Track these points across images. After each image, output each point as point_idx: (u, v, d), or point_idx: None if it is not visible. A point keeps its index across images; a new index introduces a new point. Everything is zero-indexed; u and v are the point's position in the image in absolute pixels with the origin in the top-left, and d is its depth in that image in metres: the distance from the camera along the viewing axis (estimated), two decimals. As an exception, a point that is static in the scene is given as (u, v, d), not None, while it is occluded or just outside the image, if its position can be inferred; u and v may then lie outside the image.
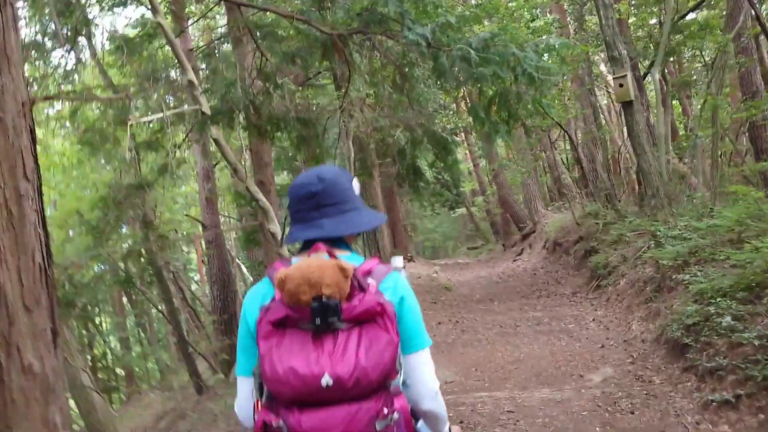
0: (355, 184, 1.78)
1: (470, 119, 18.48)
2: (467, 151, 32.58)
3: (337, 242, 1.69)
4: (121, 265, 14.09)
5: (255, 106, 6.39)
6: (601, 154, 14.04)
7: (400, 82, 6.39)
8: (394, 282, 1.62)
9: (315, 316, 1.45)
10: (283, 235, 2.49)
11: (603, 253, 10.65)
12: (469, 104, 5.76)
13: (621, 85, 8.78)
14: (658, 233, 8.32)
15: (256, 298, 1.66)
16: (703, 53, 14.20)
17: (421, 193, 10.09)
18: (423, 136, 8.27)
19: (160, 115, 8.76)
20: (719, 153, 10.11)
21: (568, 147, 22.38)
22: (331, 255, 1.56)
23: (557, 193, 25.00)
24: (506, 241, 24.55)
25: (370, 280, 1.56)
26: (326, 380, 1.41)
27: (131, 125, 9.17)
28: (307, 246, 1.67)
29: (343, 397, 1.44)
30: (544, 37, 6.79)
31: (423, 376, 1.63)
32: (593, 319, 8.27)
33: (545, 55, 5.21)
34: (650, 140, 8.91)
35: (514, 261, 18.46)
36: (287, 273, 1.48)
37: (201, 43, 14.01)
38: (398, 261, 1.74)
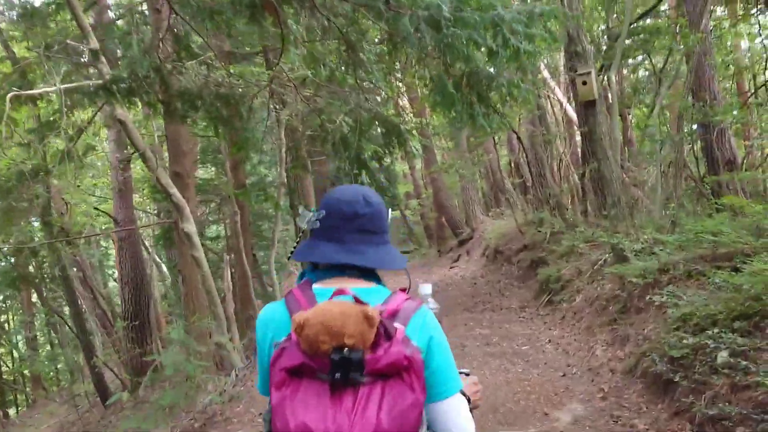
0: (390, 216, 1.66)
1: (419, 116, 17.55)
2: (403, 152, 31.79)
3: (368, 272, 1.58)
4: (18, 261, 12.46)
5: (162, 76, 5.19)
6: (548, 159, 13.33)
7: (346, 55, 5.31)
8: (422, 321, 1.48)
9: (335, 369, 1.31)
10: (295, 246, 1.91)
11: (554, 265, 9.86)
12: (431, 84, 4.69)
13: (584, 83, 8.00)
14: (621, 246, 7.54)
15: (269, 324, 1.54)
16: (652, 58, 13.74)
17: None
18: (372, 122, 7.20)
19: (53, 88, 7.37)
20: (670, 162, 9.48)
21: (505, 152, 21.83)
22: (357, 300, 1.38)
23: (493, 200, 24.50)
24: (441, 246, 23.76)
25: (397, 325, 1.41)
26: None
27: (14, 99, 7.73)
28: (333, 271, 1.55)
29: None
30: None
31: (456, 423, 1.49)
32: (549, 341, 7.41)
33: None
34: (613, 145, 8.15)
35: (451, 268, 17.65)
36: (307, 318, 1.32)
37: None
38: (427, 289, 1.66)
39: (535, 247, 12.04)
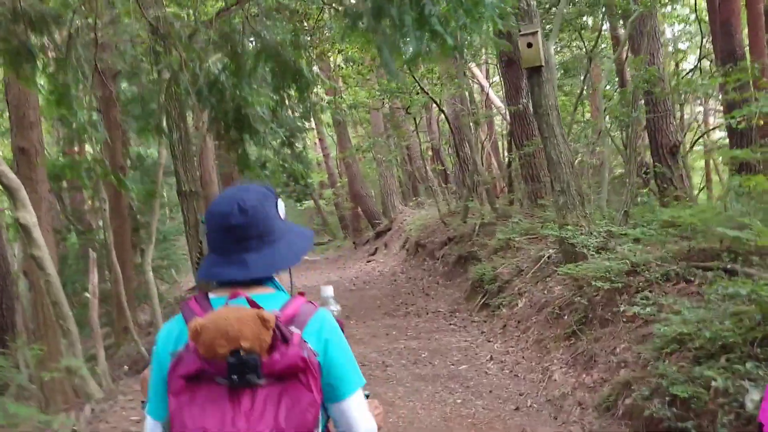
0: (280, 207, 1.59)
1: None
2: (317, 140, 30.28)
3: (261, 279, 1.54)
4: None
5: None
6: (476, 142, 12.07)
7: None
8: (320, 325, 1.48)
9: (232, 372, 1.31)
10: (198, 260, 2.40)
11: (487, 262, 8.58)
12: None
13: (529, 45, 6.66)
14: (573, 241, 6.29)
15: (168, 339, 1.50)
16: (583, 36, 12.73)
17: (252, 167, 7.16)
18: (258, 58, 5.61)
19: None
20: (624, 144, 8.37)
21: (424, 138, 20.54)
22: (252, 303, 1.38)
23: (411, 189, 23.27)
24: (357, 238, 22.30)
25: (293, 329, 1.40)
26: None
27: None
28: (225, 283, 1.52)
29: None
30: None
31: (359, 421, 1.50)
32: (490, 357, 6.07)
33: None
34: (560, 121, 6.88)
35: (368, 262, 16.23)
36: (202, 324, 1.32)
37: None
38: (328, 291, 1.68)
39: (463, 241, 10.77)
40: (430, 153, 19.59)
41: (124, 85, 10.17)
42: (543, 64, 6.72)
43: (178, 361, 1.37)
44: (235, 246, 1.49)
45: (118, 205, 9.25)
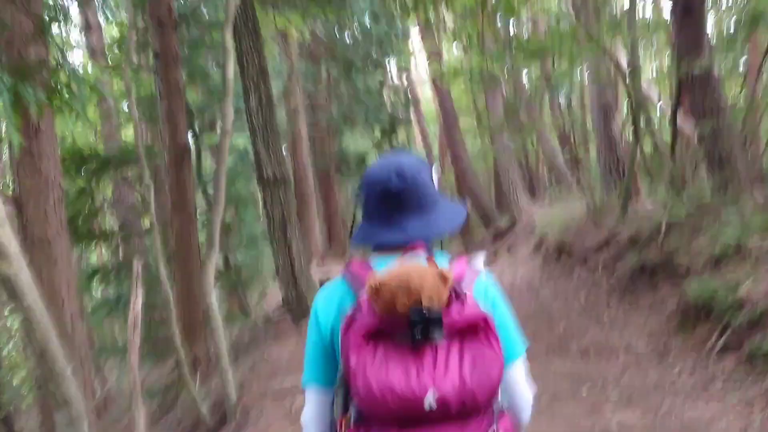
0: (435, 174, 1.60)
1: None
2: (418, 133, 27.99)
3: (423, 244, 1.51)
4: None
5: None
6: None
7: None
8: (485, 287, 1.50)
9: (414, 328, 1.27)
10: (352, 228, 1.61)
11: (708, 276, 5.72)
12: None
13: None
14: None
15: (331, 301, 1.49)
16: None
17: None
18: None
19: None
20: None
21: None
22: (429, 260, 1.39)
23: (536, 182, 20.30)
24: (468, 240, 19.59)
25: (464, 287, 1.39)
26: (429, 402, 1.24)
27: None
28: (386, 247, 1.52)
29: (446, 418, 1.26)
30: None
31: (521, 386, 1.50)
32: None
33: None
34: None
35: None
36: (382, 280, 1.29)
37: None
38: (481, 258, 1.58)
39: (639, 245, 7.89)
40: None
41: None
42: None
43: (351, 320, 1.34)
44: (393, 212, 1.49)
45: (182, 197, 7.05)
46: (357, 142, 21.09)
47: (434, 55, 16.25)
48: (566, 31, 9.73)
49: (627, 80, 9.37)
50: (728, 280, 5.31)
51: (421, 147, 28.35)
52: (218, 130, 7.26)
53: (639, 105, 8.80)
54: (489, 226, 17.75)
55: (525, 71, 12.38)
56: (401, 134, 22.23)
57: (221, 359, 5.03)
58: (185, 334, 5.97)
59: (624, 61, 14.44)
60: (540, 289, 9.82)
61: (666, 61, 11.87)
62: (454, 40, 11.14)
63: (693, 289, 5.59)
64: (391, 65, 20.95)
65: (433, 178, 1.57)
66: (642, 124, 9.31)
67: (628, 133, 13.67)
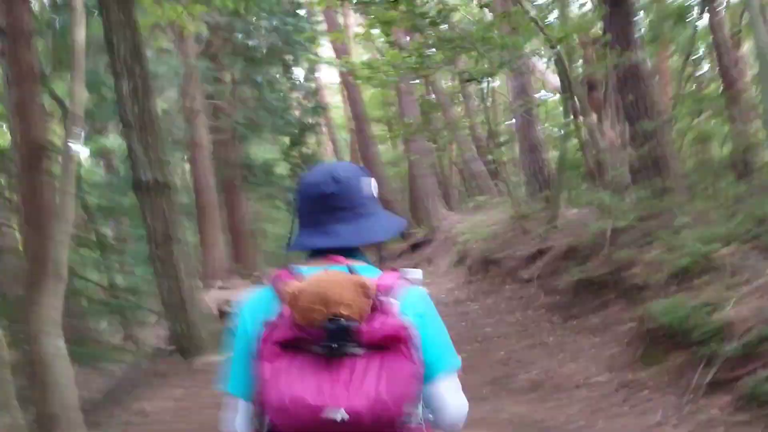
0: (373, 185, 1.54)
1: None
2: (328, 141, 26.90)
3: (351, 252, 1.47)
4: None
5: None
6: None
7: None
8: (416, 299, 1.41)
9: (330, 339, 1.24)
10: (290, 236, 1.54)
11: (674, 295, 4.89)
12: None
13: None
14: None
15: (257, 309, 1.42)
16: None
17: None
18: None
19: None
20: None
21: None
22: (352, 271, 1.35)
23: (454, 189, 19.64)
24: (383, 251, 18.50)
25: (390, 300, 1.34)
26: (341, 414, 1.20)
27: None
28: (317, 254, 1.48)
29: (359, 431, 1.22)
30: None
31: (452, 401, 1.42)
32: None
33: None
34: None
35: (409, 283, 12.56)
36: (301, 288, 1.28)
37: None
38: (417, 274, 1.51)
39: (581, 255, 7.09)
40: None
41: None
42: None
43: (271, 328, 1.30)
44: (326, 216, 1.47)
45: (38, 209, 5.50)
46: (264, 149, 19.76)
47: (344, 54, 15.20)
48: (488, 25, 8.89)
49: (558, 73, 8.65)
50: (704, 299, 4.48)
51: (331, 154, 27.27)
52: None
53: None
54: (406, 237, 16.85)
55: (442, 71, 11.45)
56: (311, 141, 21.14)
57: (66, 424, 3.67)
58: (29, 385, 4.52)
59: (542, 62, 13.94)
60: (467, 304, 8.92)
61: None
62: (365, 36, 10.00)
63: (658, 310, 4.73)
64: (300, 69, 19.83)
65: (372, 188, 1.53)
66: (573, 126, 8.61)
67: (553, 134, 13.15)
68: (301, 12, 18.20)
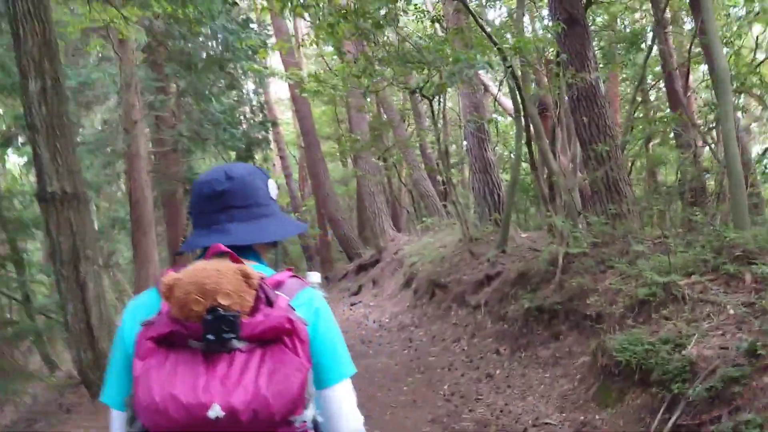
0: (272, 186, 1.49)
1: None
2: (277, 158, 26.31)
3: (245, 252, 1.38)
4: None
5: None
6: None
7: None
8: (309, 298, 1.35)
9: (207, 331, 1.15)
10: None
11: (632, 328, 4.54)
12: None
13: None
14: None
15: (137, 311, 1.34)
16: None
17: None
18: None
19: None
20: None
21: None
22: (235, 259, 1.25)
23: (402, 210, 19.30)
24: (328, 271, 18.03)
25: (280, 294, 1.27)
26: (215, 411, 1.11)
27: None
28: (214, 255, 1.33)
29: (236, 430, 1.13)
30: None
31: (346, 411, 1.35)
32: None
33: None
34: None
35: (354, 305, 12.05)
36: (176, 278, 1.19)
37: None
38: (315, 277, 1.49)
39: (532, 282, 6.73)
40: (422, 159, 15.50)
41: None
42: None
43: (148, 326, 1.21)
44: (219, 215, 1.40)
45: None
46: (209, 163, 19.10)
47: (293, 65, 14.74)
48: (440, 40, 8.56)
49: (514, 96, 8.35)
50: (664, 334, 4.13)
51: (280, 171, 26.62)
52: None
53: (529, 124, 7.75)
54: (352, 258, 16.35)
55: (393, 87, 11.11)
56: (258, 157, 20.56)
57: None
58: None
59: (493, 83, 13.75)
60: (413, 331, 8.45)
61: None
62: (312, 44, 9.51)
63: (615, 345, 4.36)
64: (250, 82, 19.27)
65: (270, 189, 1.47)
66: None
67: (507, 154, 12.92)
68: (253, 23, 17.72)
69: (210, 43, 11.60)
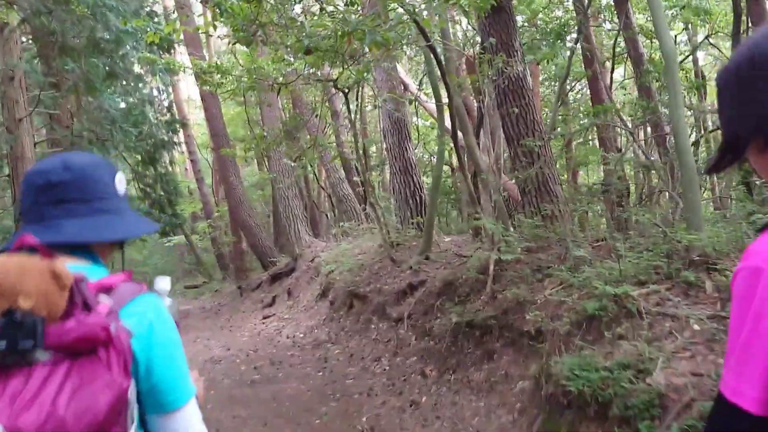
0: (120, 180, 1.33)
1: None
2: (188, 161, 24.95)
3: (79, 251, 1.23)
4: None
5: None
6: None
7: None
8: (145, 306, 1.17)
9: (2, 338, 0.97)
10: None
11: (583, 350, 3.84)
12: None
13: None
14: None
15: None
16: None
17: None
18: None
19: None
20: None
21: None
22: (45, 254, 1.05)
23: (320, 214, 18.39)
24: (242, 281, 16.90)
25: (104, 299, 1.10)
26: None
27: None
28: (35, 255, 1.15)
29: None
30: None
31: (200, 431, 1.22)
32: None
33: None
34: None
35: (266, 318, 11.05)
36: None
37: None
38: (163, 283, 1.37)
39: (460, 292, 5.99)
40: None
41: None
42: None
43: None
44: (52, 209, 1.22)
45: None
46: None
47: (198, 54, 13.59)
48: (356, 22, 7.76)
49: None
50: (621, 357, 3.44)
51: (191, 175, 25.16)
52: None
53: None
54: (267, 267, 15.30)
55: (306, 82, 10.23)
56: (167, 160, 19.18)
57: None
58: None
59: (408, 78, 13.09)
60: (329, 348, 7.58)
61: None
62: (209, 26, 8.52)
63: (562, 370, 3.64)
64: (157, 80, 17.87)
65: (117, 184, 1.30)
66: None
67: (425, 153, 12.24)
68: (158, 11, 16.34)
69: (89, 23, 10.26)
